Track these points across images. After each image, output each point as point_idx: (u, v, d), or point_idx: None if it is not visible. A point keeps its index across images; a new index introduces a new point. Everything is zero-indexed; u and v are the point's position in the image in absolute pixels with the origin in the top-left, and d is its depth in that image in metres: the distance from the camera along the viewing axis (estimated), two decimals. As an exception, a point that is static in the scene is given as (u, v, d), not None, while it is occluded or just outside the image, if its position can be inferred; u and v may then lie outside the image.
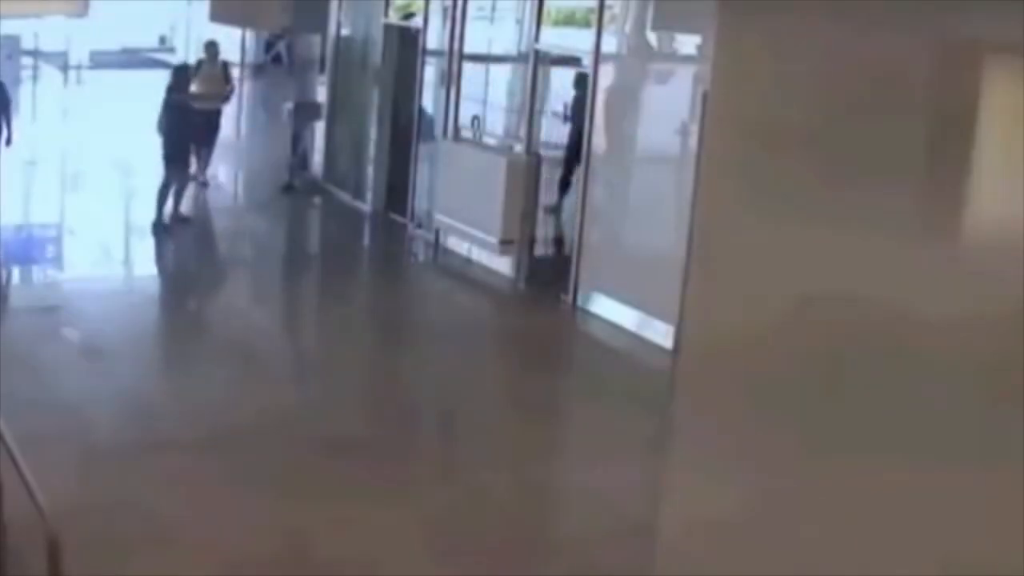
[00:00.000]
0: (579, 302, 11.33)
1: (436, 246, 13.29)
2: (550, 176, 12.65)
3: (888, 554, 3.41)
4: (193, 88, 14.86)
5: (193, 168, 15.00)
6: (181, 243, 13.70)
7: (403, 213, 14.29)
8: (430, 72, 13.96)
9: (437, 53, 13.79)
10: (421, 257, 13.51)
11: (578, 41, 11.75)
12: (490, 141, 13.09)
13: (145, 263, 13.43)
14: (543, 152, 12.48)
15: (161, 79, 14.35)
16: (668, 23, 10.74)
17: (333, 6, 16.05)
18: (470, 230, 12.42)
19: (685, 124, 10.25)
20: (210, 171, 16.00)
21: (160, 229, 13.45)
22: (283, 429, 8.16)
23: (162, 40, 27.46)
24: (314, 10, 15.99)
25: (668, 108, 10.70)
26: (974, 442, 3.23)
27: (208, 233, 14.84)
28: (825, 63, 3.67)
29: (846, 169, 3.58)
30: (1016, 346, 3.11)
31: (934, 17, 3.35)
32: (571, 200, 12.66)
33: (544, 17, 12.10)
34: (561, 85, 13.20)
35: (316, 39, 16.50)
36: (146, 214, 13.59)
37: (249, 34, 18.70)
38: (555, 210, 13.74)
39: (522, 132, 12.39)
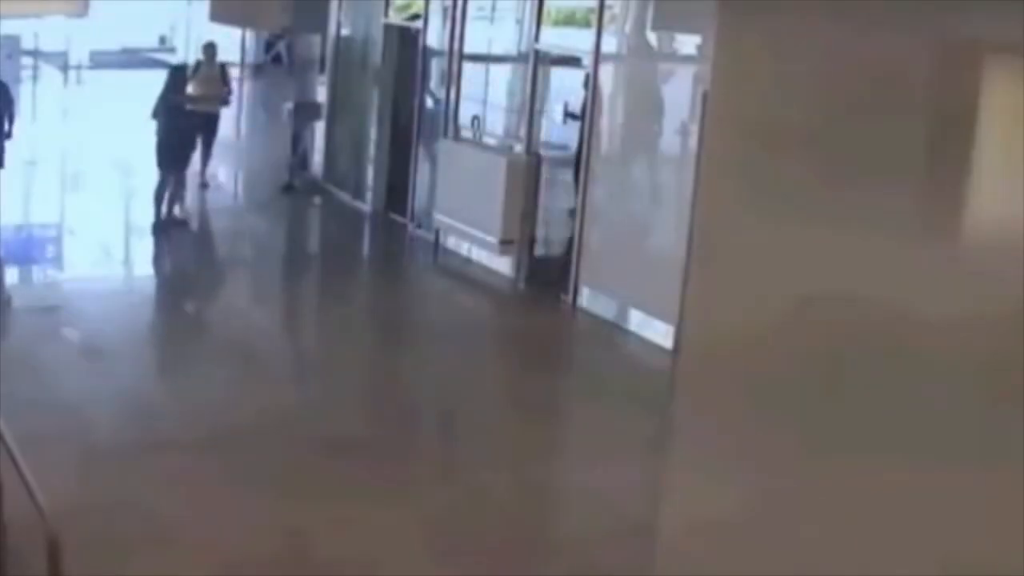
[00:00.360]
0: (579, 302, 11.33)
1: (436, 246, 13.29)
2: (551, 176, 12.65)
3: (888, 554, 3.41)
4: (190, 90, 14.81)
5: (193, 170, 15.00)
6: (181, 243, 13.70)
7: (403, 213, 14.30)
8: (430, 72, 13.96)
9: (437, 53, 13.80)
10: (421, 257, 13.51)
11: (578, 41, 11.75)
12: (490, 141, 13.09)
13: (145, 263, 13.44)
14: (545, 152, 12.48)
15: (161, 79, 14.33)
16: (668, 23, 10.74)
17: (333, 6, 16.05)
18: (470, 230, 12.42)
19: (685, 124, 10.26)
20: (210, 171, 16.00)
21: (160, 230, 13.45)
22: (283, 429, 8.16)
23: (162, 40, 27.45)
24: (314, 10, 15.99)
25: (668, 108, 10.71)
26: (974, 442, 3.22)
27: (208, 233, 14.85)
28: (825, 63, 3.66)
29: (846, 169, 3.58)
30: (1016, 346, 3.11)
31: (934, 17, 3.34)
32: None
33: (544, 17, 12.10)
34: (561, 85, 13.19)
35: (316, 39, 16.50)
36: (146, 214, 13.60)
37: (249, 34, 18.70)
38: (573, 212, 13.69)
39: (522, 132, 12.39)
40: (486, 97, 13.23)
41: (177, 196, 13.81)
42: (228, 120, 16.83)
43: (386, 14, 14.83)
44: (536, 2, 12.06)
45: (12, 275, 11.85)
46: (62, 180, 17.13)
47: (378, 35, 14.97)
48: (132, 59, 27.02)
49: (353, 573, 6.43)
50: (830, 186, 3.63)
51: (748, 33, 3.94)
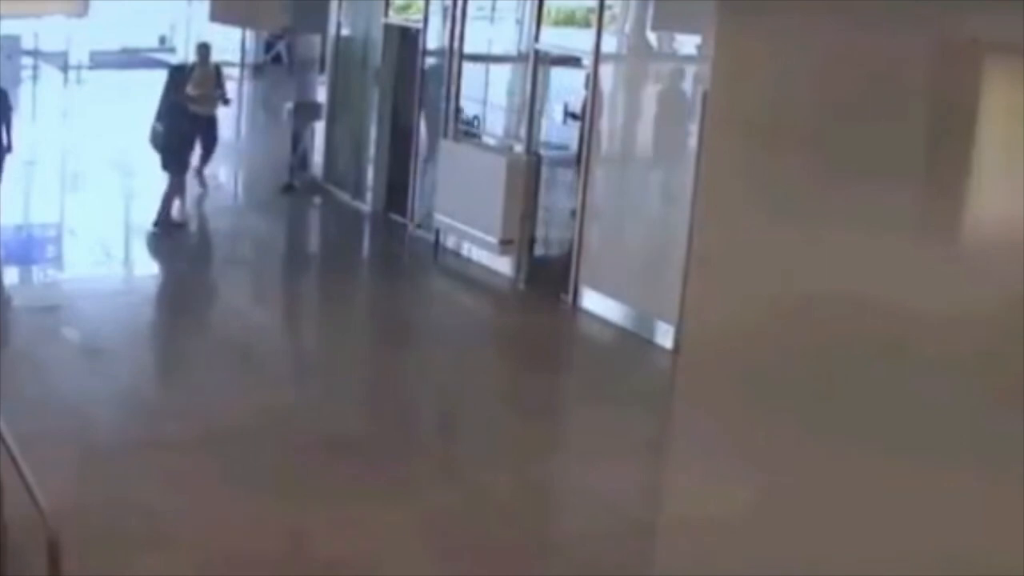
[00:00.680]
0: (579, 302, 11.33)
1: (436, 246, 13.29)
2: (551, 176, 12.65)
3: (887, 551, 3.41)
4: (187, 91, 14.81)
5: (194, 170, 14.99)
6: (182, 243, 13.70)
7: (403, 213, 14.29)
8: (430, 72, 13.96)
9: (437, 53, 13.80)
10: (421, 257, 13.50)
11: (578, 41, 11.75)
12: (490, 141, 13.09)
13: (145, 263, 13.43)
14: (545, 152, 12.47)
15: (161, 79, 14.32)
16: (668, 23, 10.74)
17: (333, 6, 16.04)
18: (470, 230, 12.42)
19: (685, 124, 10.26)
20: (210, 171, 15.99)
21: (161, 230, 13.44)
22: (283, 429, 8.16)
23: (162, 40, 27.43)
24: (314, 10, 15.98)
25: (668, 108, 10.71)
26: (974, 441, 3.23)
27: (208, 233, 14.83)
28: (825, 63, 3.67)
29: (846, 169, 3.58)
30: (1016, 346, 3.11)
31: (934, 17, 3.35)
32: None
33: (544, 17, 12.10)
34: (561, 85, 13.19)
35: (316, 39, 16.48)
36: (146, 214, 13.59)
37: (249, 34, 18.69)
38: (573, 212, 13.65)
39: (522, 132, 12.39)
40: (486, 97, 13.23)
41: (173, 198, 13.78)
42: (228, 120, 16.82)
43: (386, 14, 14.83)
44: (536, 2, 12.05)
45: (12, 275, 11.87)
46: (62, 180, 17.11)
47: (378, 35, 14.96)
48: (132, 59, 26.99)
49: (353, 573, 6.43)
50: (830, 185, 3.63)
51: (748, 33, 3.94)
